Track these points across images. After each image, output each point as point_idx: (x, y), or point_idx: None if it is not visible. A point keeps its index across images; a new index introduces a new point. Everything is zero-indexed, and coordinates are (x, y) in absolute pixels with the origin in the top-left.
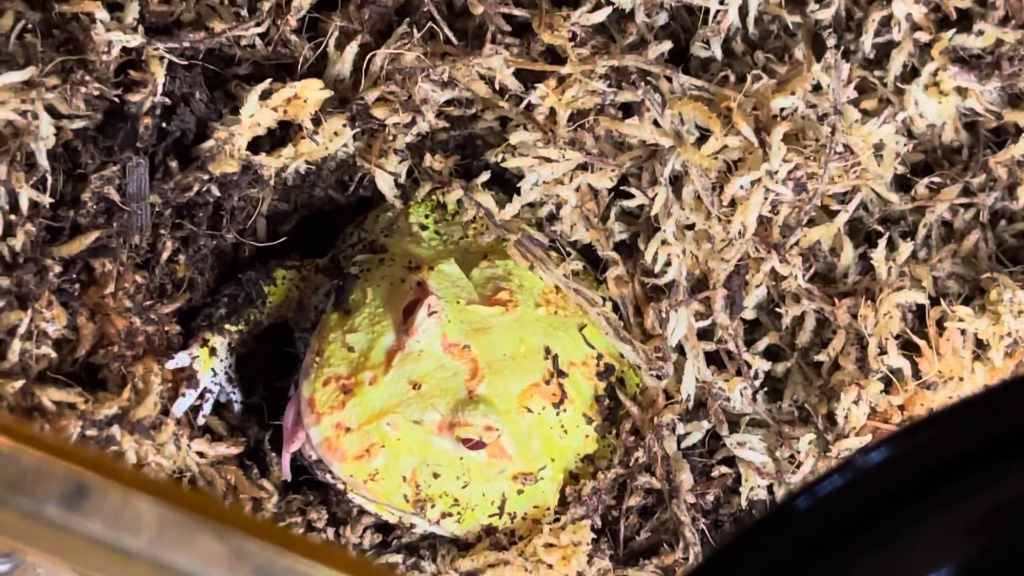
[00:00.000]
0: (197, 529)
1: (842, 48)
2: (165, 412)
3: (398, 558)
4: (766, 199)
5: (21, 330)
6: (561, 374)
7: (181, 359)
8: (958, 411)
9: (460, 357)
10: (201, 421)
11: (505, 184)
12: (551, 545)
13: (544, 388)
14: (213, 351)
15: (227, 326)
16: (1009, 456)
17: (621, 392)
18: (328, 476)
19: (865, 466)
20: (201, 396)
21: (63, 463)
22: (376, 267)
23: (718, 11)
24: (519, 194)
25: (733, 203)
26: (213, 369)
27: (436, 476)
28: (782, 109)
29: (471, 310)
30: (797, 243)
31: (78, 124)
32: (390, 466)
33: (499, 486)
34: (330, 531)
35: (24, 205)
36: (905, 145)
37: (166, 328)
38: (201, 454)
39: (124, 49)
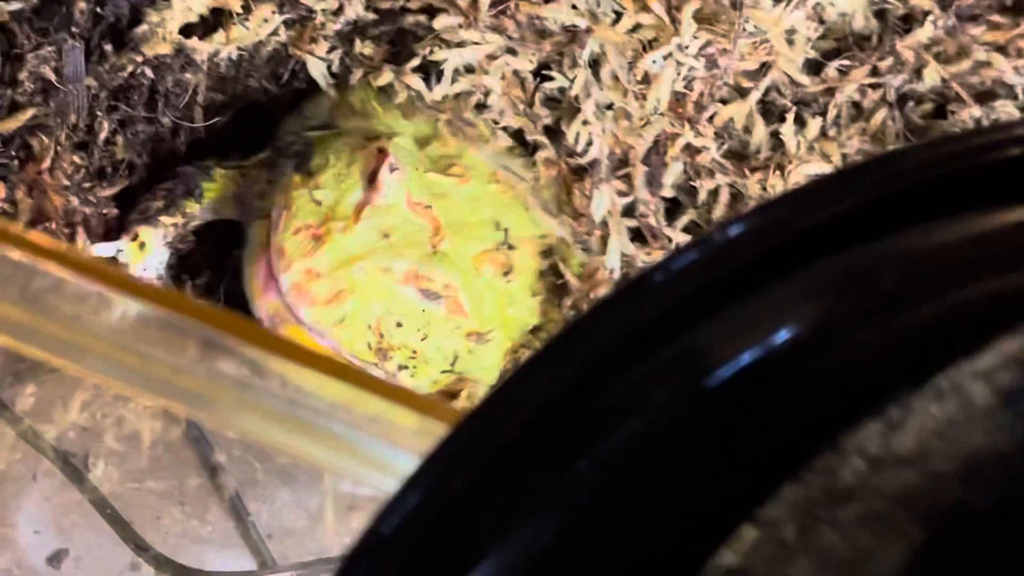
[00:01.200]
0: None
1: None
2: None
3: None
4: (679, 74)
5: None
6: (510, 246)
7: (105, 248)
8: (812, 188)
9: (423, 215)
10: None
11: (438, 79)
12: (474, 397)
13: (495, 255)
14: (142, 245)
15: (162, 218)
16: (856, 227)
17: (564, 268)
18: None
19: (720, 240)
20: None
21: None
22: (331, 139)
23: None
24: (452, 82)
25: (647, 80)
26: (144, 265)
27: (399, 326)
28: None
29: (429, 177)
30: (711, 119)
31: (14, 6)
32: (357, 312)
33: (453, 343)
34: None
35: None
36: (816, 31)
37: (104, 211)
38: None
39: None
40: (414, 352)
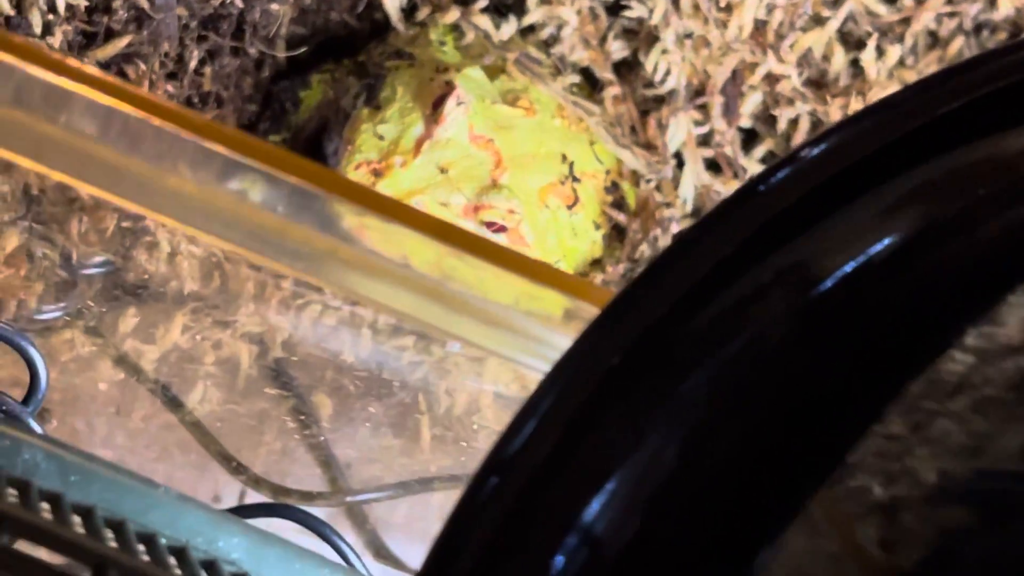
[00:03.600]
0: None
1: None
2: None
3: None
4: (760, 2)
5: None
6: (575, 179)
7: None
8: (898, 98)
9: (485, 148)
10: None
11: (511, 11)
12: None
13: (560, 188)
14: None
15: (271, 137)
16: (943, 134)
17: (625, 206)
18: None
19: (818, 151)
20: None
21: None
22: (404, 70)
23: None
24: (523, 14)
25: (729, 8)
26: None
27: (459, 259)
28: None
29: (496, 108)
30: (792, 47)
31: None
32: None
33: (518, 275)
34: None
35: (61, 6)
36: None
37: None
38: None
39: None
40: (477, 281)
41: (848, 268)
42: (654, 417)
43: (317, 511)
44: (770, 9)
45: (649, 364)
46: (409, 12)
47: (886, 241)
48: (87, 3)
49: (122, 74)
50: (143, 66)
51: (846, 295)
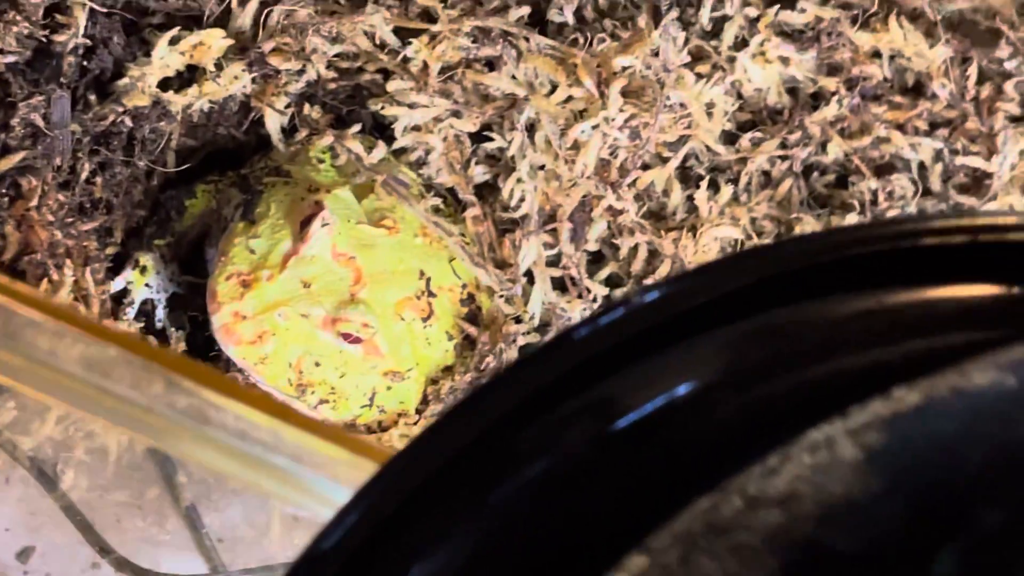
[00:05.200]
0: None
1: (682, 20)
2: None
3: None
4: (604, 143)
5: None
6: (431, 294)
7: (118, 284)
8: (720, 264)
9: (346, 265)
10: (159, 325)
11: (385, 133)
12: (404, 436)
13: (416, 302)
14: (144, 269)
15: (156, 242)
16: (756, 298)
17: (479, 318)
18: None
19: (639, 303)
20: (146, 307)
21: None
22: (280, 187)
23: None
24: (395, 138)
25: (576, 146)
26: (147, 284)
27: (317, 365)
28: (623, 67)
29: (360, 228)
30: (633, 183)
31: (10, 59)
32: (278, 352)
33: (371, 380)
34: None
35: None
36: (733, 105)
37: (84, 243)
38: None
39: None
40: (332, 388)
41: (646, 408)
42: (460, 520)
43: None
44: (614, 149)
45: (460, 477)
46: (290, 132)
47: (685, 387)
48: None
49: (15, 186)
50: (34, 180)
51: (642, 431)
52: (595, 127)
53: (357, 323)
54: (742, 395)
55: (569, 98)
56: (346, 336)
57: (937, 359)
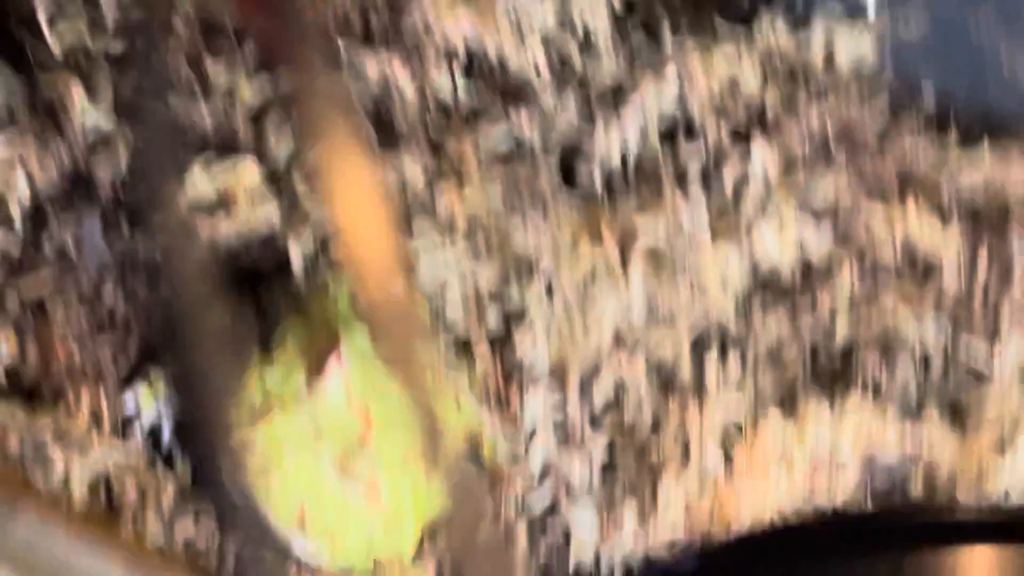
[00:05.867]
0: None
1: (704, 181)
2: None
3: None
4: (621, 308)
5: None
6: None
7: (129, 401)
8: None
9: (357, 410)
10: (166, 446)
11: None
12: None
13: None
14: (155, 388)
15: (169, 368)
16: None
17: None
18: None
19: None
20: (154, 426)
21: None
22: (298, 320)
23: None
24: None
25: (594, 308)
26: (156, 403)
27: (319, 505)
28: (645, 234)
29: (373, 371)
30: (645, 348)
31: (49, 188)
32: (283, 488)
33: (370, 525)
34: (214, 524)
35: None
36: (747, 277)
37: (100, 360)
38: (116, 454)
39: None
40: (332, 530)
41: None
42: None
43: None
44: (629, 314)
45: None
46: (313, 261)
47: None
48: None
49: (41, 306)
50: (60, 302)
51: None
52: (614, 293)
53: (363, 469)
54: None
55: (592, 262)
56: (350, 481)
57: None
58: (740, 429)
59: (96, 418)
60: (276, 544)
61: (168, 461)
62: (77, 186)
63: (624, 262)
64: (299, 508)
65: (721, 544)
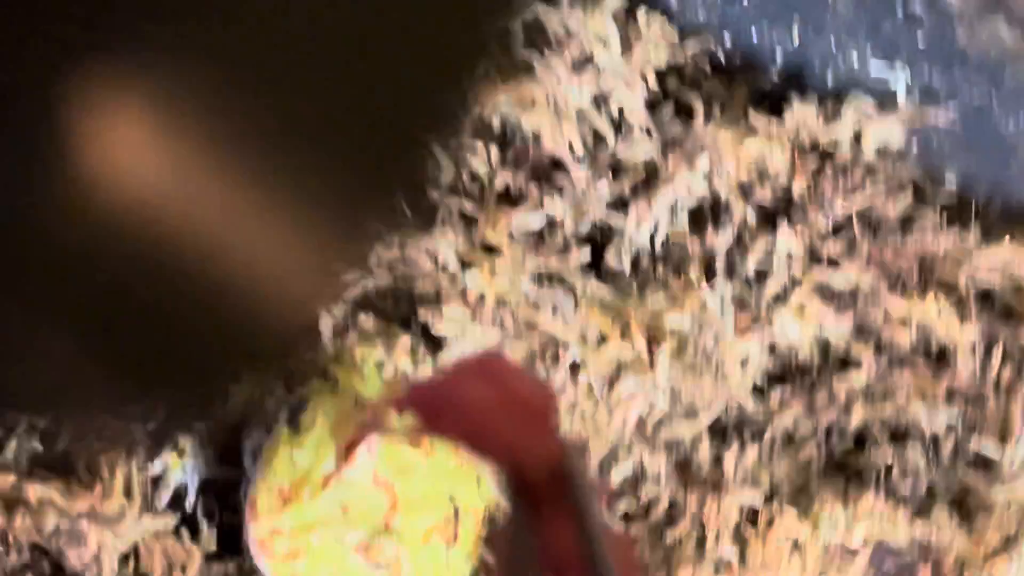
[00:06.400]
0: None
1: (729, 265)
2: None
3: None
4: (645, 402)
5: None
6: (458, 519)
7: (157, 466)
8: None
9: (385, 491)
10: (190, 510)
11: (432, 342)
12: None
13: (443, 528)
14: (182, 452)
15: (195, 425)
16: None
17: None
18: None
19: None
20: (179, 494)
21: None
22: (327, 396)
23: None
24: (441, 350)
25: (618, 399)
26: (184, 467)
27: None
28: (672, 330)
29: (400, 451)
30: (664, 437)
31: None
32: (309, 571)
33: None
34: None
35: None
36: (767, 360)
37: (131, 425)
38: (146, 529)
39: None
40: None
41: None
42: None
43: None
44: (652, 407)
45: None
46: (340, 333)
47: None
48: None
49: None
50: None
51: None
52: (638, 384)
53: (388, 554)
54: None
55: (617, 355)
56: (376, 565)
57: None
58: (755, 520)
59: (128, 490)
60: None
61: (193, 527)
62: None
63: (651, 354)
64: None
65: None
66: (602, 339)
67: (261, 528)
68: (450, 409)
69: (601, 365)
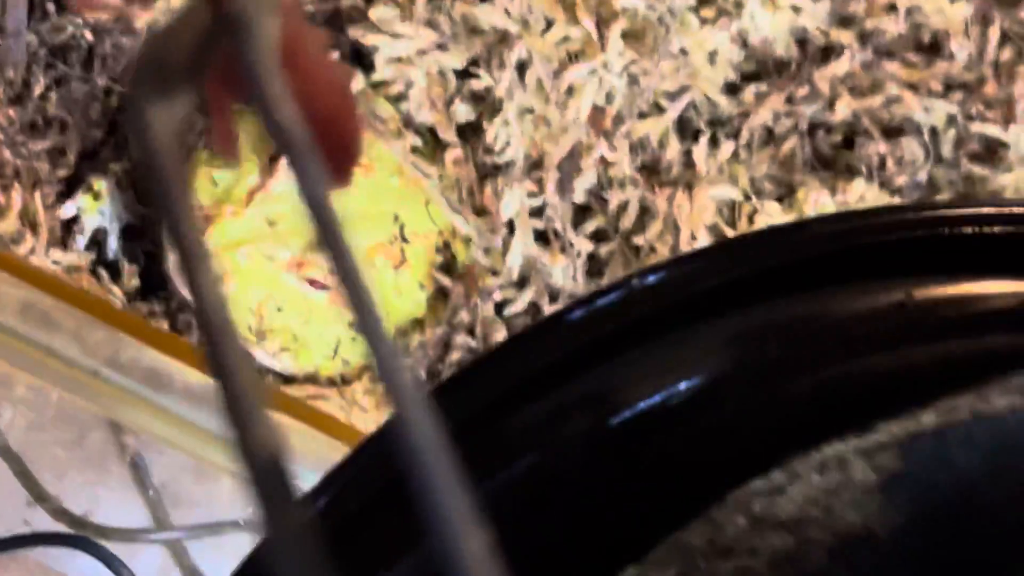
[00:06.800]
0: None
1: None
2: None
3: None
4: (600, 89)
5: None
6: (405, 240)
7: (68, 209)
8: (741, 241)
9: None
10: (112, 256)
11: (364, 63)
12: (369, 392)
13: (388, 248)
14: (97, 194)
15: (112, 166)
16: (780, 286)
17: (454, 268)
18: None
19: (639, 286)
20: (98, 236)
21: None
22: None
23: None
24: (374, 68)
25: (570, 91)
26: (100, 211)
27: (279, 310)
28: (624, 8)
29: None
30: (628, 134)
31: None
32: (238, 295)
33: (335, 330)
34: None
35: None
36: (738, 54)
37: (35, 164)
38: (56, 262)
39: None
40: (295, 336)
41: (645, 403)
42: None
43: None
44: (609, 97)
45: None
46: None
47: (688, 382)
48: None
49: None
50: None
51: (640, 429)
52: (592, 72)
53: (324, 268)
54: (751, 395)
55: (565, 38)
56: (312, 282)
57: (974, 364)
58: (733, 219)
59: (32, 226)
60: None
61: (113, 270)
62: None
63: (602, 40)
64: (257, 317)
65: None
66: (548, 25)
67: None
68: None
69: (549, 54)
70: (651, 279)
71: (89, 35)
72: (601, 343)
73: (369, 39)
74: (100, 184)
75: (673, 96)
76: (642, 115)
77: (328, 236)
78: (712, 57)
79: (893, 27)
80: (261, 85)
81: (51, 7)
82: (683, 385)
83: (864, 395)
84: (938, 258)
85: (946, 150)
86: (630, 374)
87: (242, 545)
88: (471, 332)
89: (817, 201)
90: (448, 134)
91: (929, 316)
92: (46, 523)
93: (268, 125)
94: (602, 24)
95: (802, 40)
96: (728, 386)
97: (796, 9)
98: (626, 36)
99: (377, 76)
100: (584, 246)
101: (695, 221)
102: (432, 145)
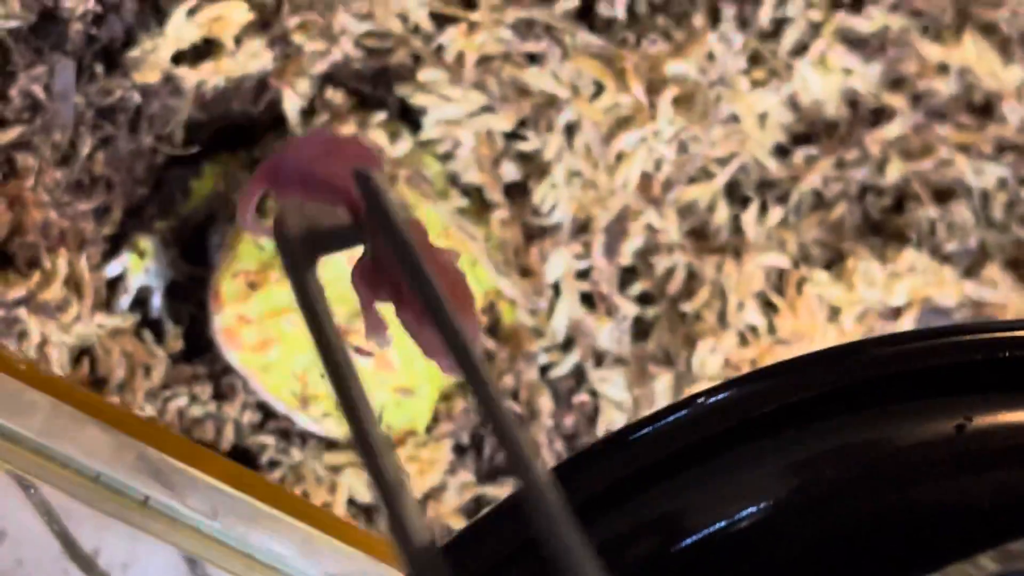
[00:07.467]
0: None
1: (740, 18)
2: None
3: (270, 439)
4: (650, 156)
5: None
6: None
7: (113, 268)
8: (800, 364)
9: None
10: (155, 315)
11: (411, 119)
12: (412, 458)
13: None
14: (142, 253)
15: (157, 224)
16: (838, 409)
17: (498, 330)
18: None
19: (706, 404)
20: (142, 295)
21: None
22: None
23: None
24: (421, 127)
25: (620, 157)
26: (146, 268)
27: (323, 376)
28: (674, 75)
29: None
30: (676, 199)
31: (12, 24)
32: (283, 361)
33: (380, 396)
34: (212, 405)
35: None
36: (788, 116)
37: (81, 224)
38: (101, 325)
39: None
40: None
41: (708, 530)
42: None
43: None
44: (659, 164)
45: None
46: (308, 113)
47: (750, 509)
48: None
49: (10, 162)
50: (31, 157)
51: (702, 557)
52: (642, 140)
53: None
54: (814, 522)
55: (615, 104)
56: (357, 349)
57: None
58: (781, 287)
59: (77, 288)
60: (277, 416)
61: (157, 331)
62: (43, 23)
63: (652, 107)
64: (301, 383)
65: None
66: (597, 91)
67: (227, 317)
68: (290, 173)
69: (597, 119)
70: (713, 400)
71: (138, 96)
72: (664, 463)
73: (418, 99)
74: (145, 243)
75: (723, 161)
76: (691, 180)
77: (473, 379)
78: (762, 120)
79: (945, 89)
80: (418, 273)
81: (99, 69)
82: (745, 512)
83: (921, 530)
84: (997, 379)
85: (997, 213)
86: (693, 498)
87: None
88: (515, 396)
89: (867, 272)
90: (495, 195)
91: (987, 444)
92: None
93: (427, 300)
94: (652, 91)
95: (853, 102)
96: (788, 514)
97: (847, 71)
98: (676, 102)
99: (424, 135)
100: (630, 309)
101: (743, 289)
102: (478, 206)
